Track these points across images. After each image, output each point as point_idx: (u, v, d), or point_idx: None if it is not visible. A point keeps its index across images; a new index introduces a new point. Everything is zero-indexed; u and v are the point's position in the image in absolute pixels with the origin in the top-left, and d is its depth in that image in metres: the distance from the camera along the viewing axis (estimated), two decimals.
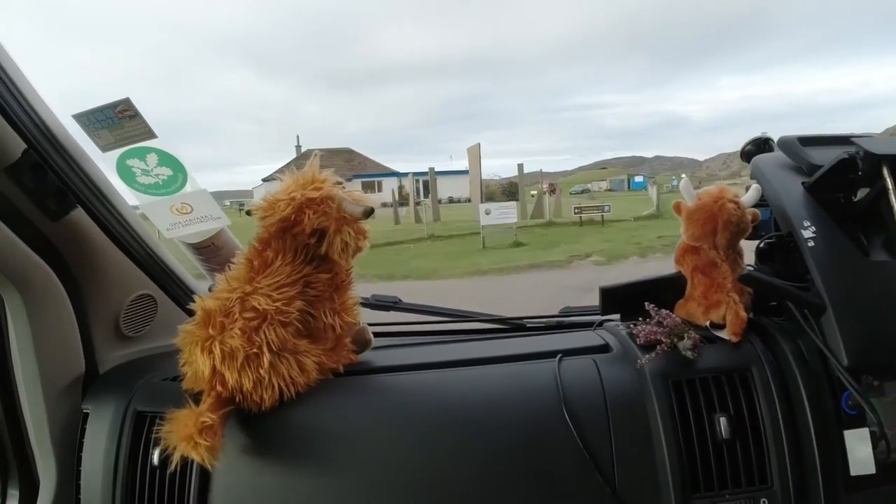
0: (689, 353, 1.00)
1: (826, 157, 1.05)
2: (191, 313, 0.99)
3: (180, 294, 1.27)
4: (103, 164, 1.06)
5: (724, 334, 1.07)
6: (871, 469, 0.94)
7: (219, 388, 0.92)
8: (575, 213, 18.31)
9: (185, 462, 0.90)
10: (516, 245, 13.60)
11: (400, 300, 1.43)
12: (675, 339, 1.02)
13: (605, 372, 1.03)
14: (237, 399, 0.94)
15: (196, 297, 0.99)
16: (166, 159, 1.09)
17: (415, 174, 30.74)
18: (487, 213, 14.41)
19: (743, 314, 1.05)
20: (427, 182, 24.70)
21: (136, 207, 1.14)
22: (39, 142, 0.94)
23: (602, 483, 0.93)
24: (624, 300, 1.19)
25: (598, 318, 1.31)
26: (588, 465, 0.93)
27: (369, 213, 0.99)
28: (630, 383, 1.00)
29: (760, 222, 1.13)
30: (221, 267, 1.05)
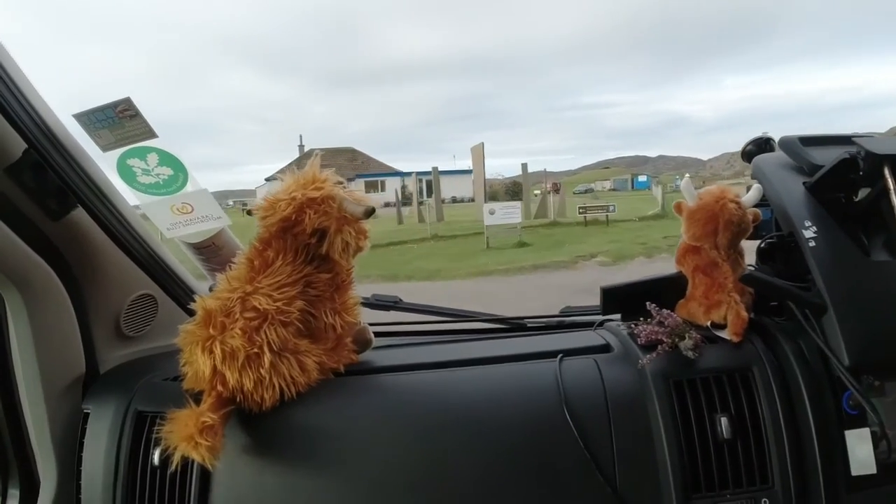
0: (690, 353, 1.00)
1: (827, 157, 1.05)
2: (191, 313, 0.99)
3: (181, 294, 1.28)
4: (104, 163, 1.06)
5: (725, 334, 1.07)
6: (871, 469, 0.94)
7: (219, 387, 0.92)
8: (580, 213, 18.20)
9: (186, 462, 0.90)
10: (521, 245, 13.55)
11: (400, 300, 1.44)
12: (677, 339, 1.02)
13: (606, 372, 1.02)
14: (238, 399, 0.94)
15: (197, 297, 0.99)
16: (167, 159, 1.09)
17: (418, 174, 30.67)
18: (492, 213, 14.32)
19: (744, 314, 1.05)
20: (430, 182, 24.67)
21: (136, 207, 1.15)
22: (40, 141, 0.95)
23: (603, 483, 0.92)
24: (625, 300, 1.19)
25: (599, 317, 1.31)
26: (589, 465, 0.93)
27: (370, 212, 0.99)
28: (631, 383, 1.00)
29: (761, 222, 1.13)
30: (222, 267, 1.05)
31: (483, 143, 23.28)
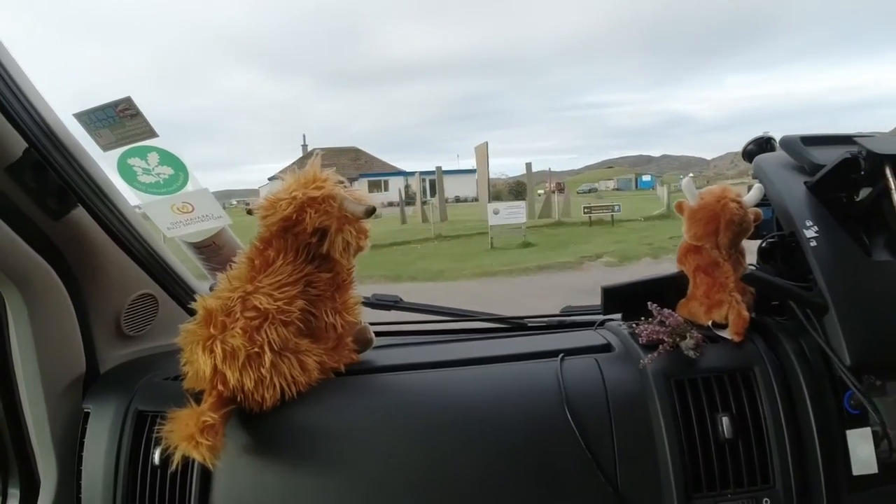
0: (691, 353, 1.00)
1: (828, 157, 1.05)
2: (192, 312, 0.99)
3: (181, 293, 1.28)
4: (104, 163, 1.06)
5: (726, 334, 1.06)
6: (873, 469, 0.94)
7: (220, 387, 0.92)
8: (584, 213, 18.09)
9: (187, 461, 0.90)
10: (525, 245, 13.49)
11: (400, 299, 1.43)
12: (678, 339, 1.02)
13: (607, 371, 1.02)
14: (238, 398, 0.94)
15: (197, 297, 0.99)
16: (167, 158, 1.09)
17: (421, 173, 30.60)
18: (496, 213, 14.26)
19: (745, 314, 1.05)
20: (434, 181, 24.62)
21: (137, 206, 1.15)
22: (41, 141, 0.95)
23: (604, 482, 0.92)
24: (626, 299, 1.19)
25: (600, 317, 1.31)
26: (590, 465, 0.93)
27: (370, 212, 0.98)
28: (632, 383, 1.00)
29: (763, 222, 1.13)
30: (223, 266, 1.05)
31: (487, 143, 23.23)
